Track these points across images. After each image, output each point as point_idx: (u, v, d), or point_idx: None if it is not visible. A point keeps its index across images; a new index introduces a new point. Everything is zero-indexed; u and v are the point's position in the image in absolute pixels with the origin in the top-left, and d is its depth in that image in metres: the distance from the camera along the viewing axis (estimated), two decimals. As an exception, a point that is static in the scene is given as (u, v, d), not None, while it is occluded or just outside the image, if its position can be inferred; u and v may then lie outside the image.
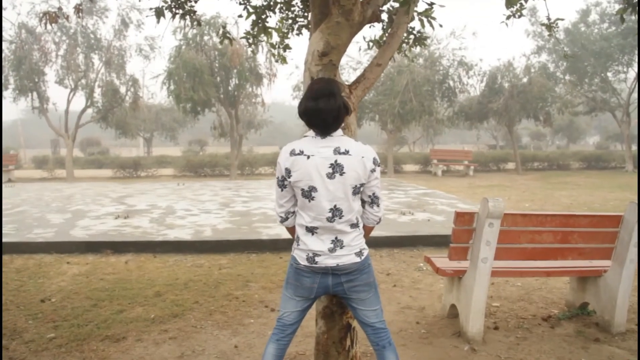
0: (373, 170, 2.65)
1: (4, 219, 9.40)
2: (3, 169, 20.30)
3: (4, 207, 11.23)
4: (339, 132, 2.66)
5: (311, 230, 2.68)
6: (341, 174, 2.58)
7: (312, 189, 2.60)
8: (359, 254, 2.70)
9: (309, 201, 2.63)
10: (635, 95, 24.97)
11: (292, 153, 2.63)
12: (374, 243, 7.24)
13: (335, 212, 2.62)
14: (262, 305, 5.04)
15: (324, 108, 2.56)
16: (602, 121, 43.34)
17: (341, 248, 2.66)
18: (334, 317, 3.18)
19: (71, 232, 8.18)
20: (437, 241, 7.59)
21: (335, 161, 2.58)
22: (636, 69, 24.17)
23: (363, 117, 22.77)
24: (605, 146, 43.01)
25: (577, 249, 4.29)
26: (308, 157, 2.59)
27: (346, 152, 2.59)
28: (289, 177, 2.63)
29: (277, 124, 44.44)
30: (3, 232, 8.12)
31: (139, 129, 34.88)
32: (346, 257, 2.67)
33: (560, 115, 26.58)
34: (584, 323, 4.53)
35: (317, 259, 2.67)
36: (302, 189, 2.62)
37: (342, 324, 3.19)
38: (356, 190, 2.63)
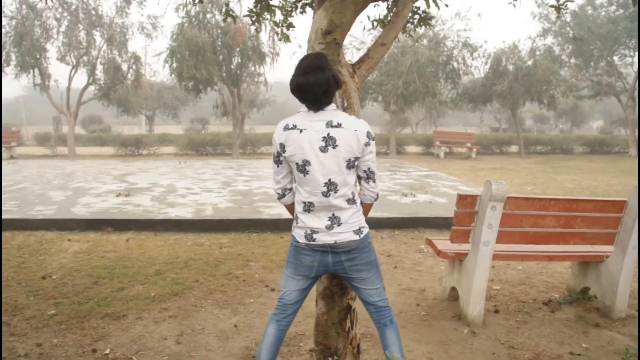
0: (367, 144, 2.62)
1: (5, 196, 9.40)
2: (5, 145, 20.29)
3: (5, 183, 11.23)
4: (332, 106, 2.65)
5: (308, 207, 2.68)
6: (334, 147, 2.57)
7: (306, 162, 2.60)
8: (358, 231, 2.69)
9: (304, 175, 2.63)
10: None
11: (286, 128, 2.64)
12: (375, 224, 7.23)
13: (330, 186, 2.61)
14: (262, 284, 5.05)
15: (313, 82, 2.54)
16: (607, 105, 43.02)
17: (339, 225, 2.65)
18: (334, 299, 3.17)
19: (72, 209, 8.18)
20: (438, 223, 7.58)
21: (328, 134, 2.57)
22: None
23: (366, 97, 22.65)
24: (609, 131, 42.82)
25: (580, 233, 4.26)
26: (300, 130, 2.60)
27: (338, 125, 2.58)
28: (284, 152, 2.64)
29: (280, 103, 44.20)
30: (5, 208, 8.12)
31: (141, 106, 34.82)
32: (344, 235, 2.66)
33: (565, 99, 26.37)
34: (585, 308, 4.53)
35: (315, 236, 2.67)
36: (297, 164, 2.62)
37: (342, 305, 3.17)
38: (350, 164, 2.61)
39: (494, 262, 4.59)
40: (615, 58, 24.56)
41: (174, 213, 7.92)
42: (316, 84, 2.54)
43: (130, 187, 10.81)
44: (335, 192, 2.62)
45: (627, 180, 13.63)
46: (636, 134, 23.71)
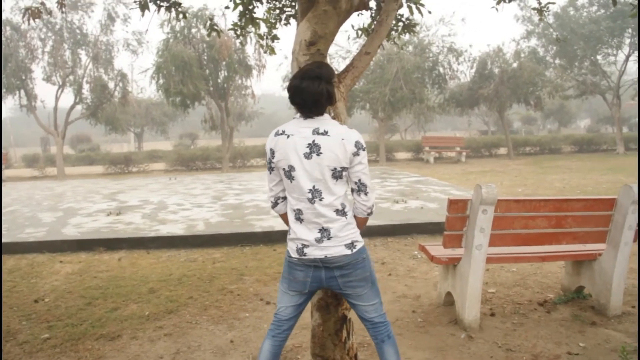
0: (355, 154, 2.57)
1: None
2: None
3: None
4: (325, 116, 2.64)
5: (298, 216, 2.65)
6: (318, 154, 2.54)
7: (291, 168, 2.60)
8: (350, 246, 2.64)
9: (291, 182, 2.63)
10: (625, 77, 25.01)
11: (277, 134, 2.65)
12: (367, 232, 7.23)
13: (315, 193, 2.58)
14: (257, 298, 5.02)
15: (305, 88, 2.54)
16: (593, 104, 43.44)
17: (329, 239, 2.60)
18: (329, 309, 3.16)
19: (63, 230, 8.12)
20: (430, 229, 7.59)
21: (313, 141, 2.55)
22: (625, 52, 24.21)
23: (354, 105, 22.71)
24: (596, 129, 43.19)
25: (572, 233, 4.28)
26: (288, 136, 2.60)
27: (325, 133, 2.56)
28: (273, 158, 2.64)
29: (268, 115, 44.21)
30: (-6, 232, 8.05)
31: (129, 124, 34.71)
32: (334, 249, 2.61)
33: (551, 99, 26.60)
34: (580, 307, 4.54)
35: (305, 250, 2.63)
36: (284, 169, 2.62)
37: (337, 316, 3.16)
38: (336, 174, 2.57)
39: (487, 265, 4.59)
40: (599, 57, 24.80)
41: (165, 230, 7.88)
42: (308, 91, 2.54)
43: (120, 205, 10.75)
44: (321, 200, 2.58)
45: (616, 178, 13.73)
46: (624, 131, 23.90)
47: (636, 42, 23.07)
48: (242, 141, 29.64)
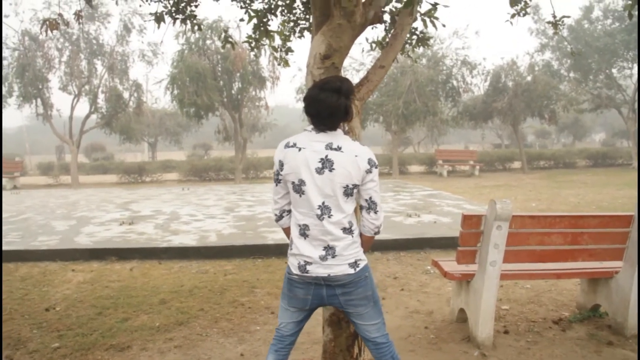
0: (368, 172, 2.52)
1: (8, 227, 9.38)
2: (9, 176, 20.36)
3: (8, 214, 11.22)
4: (338, 131, 2.58)
5: (303, 231, 2.59)
6: (330, 170, 2.49)
7: (302, 182, 2.54)
8: (354, 265, 2.58)
9: (300, 196, 2.57)
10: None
11: (287, 145, 2.60)
12: (380, 246, 7.18)
13: (324, 210, 2.52)
14: (268, 311, 4.99)
15: (323, 100, 2.49)
16: (608, 118, 43.08)
17: (333, 257, 2.55)
18: (340, 325, 3.12)
19: (76, 239, 8.15)
20: (444, 243, 7.51)
21: (326, 156, 2.50)
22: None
23: (367, 118, 22.70)
24: (612, 143, 42.80)
25: (588, 250, 4.21)
26: (299, 149, 2.55)
27: (338, 149, 2.51)
28: (282, 170, 2.59)
29: (281, 126, 44.31)
30: (8, 239, 8.10)
31: (143, 134, 34.97)
32: (338, 268, 2.55)
33: (565, 113, 26.39)
34: (596, 325, 4.45)
35: (308, 267, 2.57)
36: (293, 182, 2.57)
37: (349, 332, 3.13)
38: (348, 191, 2.52)
39: (502, 282, 4.53)
40: (614, 70, 24.65)
41: (177, 240, 7.88)
42: (325, 103, 2.49)
43: (133, 215, 10.80)
44: (330, 217, 2.53)
45: (632, 193, 13.55)
46: (637, 146, 23.67)
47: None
48: (255, 152, 29.73)
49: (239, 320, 4.75)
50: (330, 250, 2.55)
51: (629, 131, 25.21)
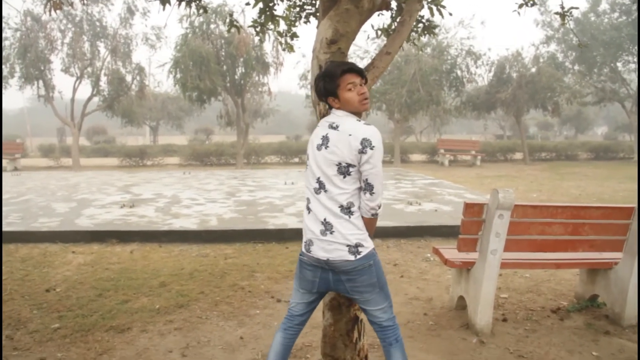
0: (361, 152, 2.49)
1: (9, 208, 9.40)
2: (9, 157, 20.36)
3: (9, 195, 11.24)
4: (343, 112, 2.64)
5: (308, 205, 2.70)
6: (326, 148, 2.58)
7: (308, 157, 2.71)
8: (354, 251, 2.57)
9: (306, 170, 2.72)
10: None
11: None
12: (381, 233, 7.19)
13: (320, 185, 2.61)
14: (268, 295, 5.01)
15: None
16: (611, 111, 43.01)
17: (331, 233, 2.57)
18: (341, 309, 3.14)
19: (76, 221, 8.17)
20: (444, 232, 7.53)
21: (326, 134, 2.60)
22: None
23: (370, 106, 22.57)
24: (614, 137, 42.73)
25: (588, 240, 4.22)
26: (318, 126, 2.75)
27: (336, 127, 2.59)
28: None
29: (284, 113, 44.29)
30: (9, 220, 8.12)
31: (145, 117, 34.97)
32: (337, 252, 2.57)
33: (569, 106, 26.31)
34: (594, 315, 4.47)
35: (311, 247, 2.64)
36: (307, 160, 2.74)
37: (349, 316, 3.14)
38: (341, 170, 2.54)
39: (501, 270, 4.54)
40: (619, 64, 24.55)
41: (178, 224, 7.90)
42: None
43: (134, 198, 10.81)
44: (325, 192, 2.59)
45: (633, 187, 13.54)
46: (637, 139, 23.63)
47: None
48: (257, 138, 29.72)
49: (239, 304, 4.77)
50: (328, 226, 2.59)
51: (631, 125, 25.16)
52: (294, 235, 7.10)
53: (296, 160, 24.81)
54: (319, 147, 2.60)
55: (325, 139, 2.58)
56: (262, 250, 6.85)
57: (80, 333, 4.07)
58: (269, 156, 25.01)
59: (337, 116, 2.63)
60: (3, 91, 19.58)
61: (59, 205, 9.76)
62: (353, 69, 2.63)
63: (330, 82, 2.61)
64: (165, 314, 4.52)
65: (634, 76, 25.46)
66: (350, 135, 2.51)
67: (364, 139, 2.50)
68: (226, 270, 5.86)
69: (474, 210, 3.98)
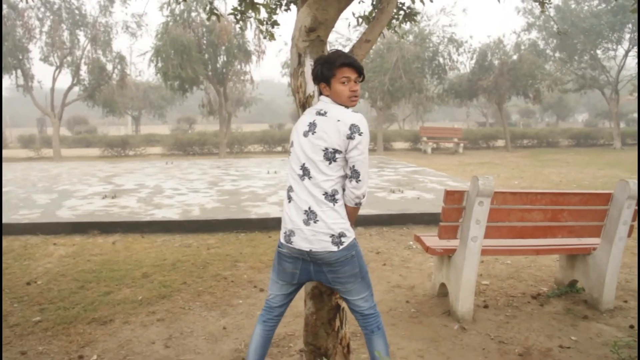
0: (350, 137, 2.51)
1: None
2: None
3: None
4: (329, 99, 2.67)
5: (289, 194, 2.67)
6: (313, 133, 2.58)
7: (292, 144, 2.70)
8: (337, 242, 2.57)
9: (289, 157, 2.72)
10: (624, 72, 24.99)
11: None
12: (363, 221, 7.22)
13: (305, 171, 2.60)
14: (250, 285, 5.01)
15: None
16: (591, 99, 43.39)
17: (315, 222, 2.56)
18: (322, 298, 3.14)
19: (58, 212, 8.08)
20: (426, 219, 7.58)
21: (313, 121, 2.62)
22: (625, 47, 24.18)
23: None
24: (594, 124, 43.24)
25: (567, 227, 4.28)
26: (304, 114, 2.76)
27: (324, 114, 2.61)
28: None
29: (267, 101, 44.09)
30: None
31: (127, 107, 34.57)
32: (320, 243, 2.56)
33: (550, 93, 26.57)
34: (573, 300, 4.54)
35: (292, 238, 2.62)
36: (289, 146, 2.74)
37: (330, 305, 3.15)
38: (328, 155, 2.55)
39: (482, 257, 4.59)
40: (599, 52, 24.75)
41: (160, 214, 7.85)
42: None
43: (116, 188, 10.72)
44: (310, 178, 2.58)
45: (612, 172, 13.74)
46: (621, 126, 23.91)
47: (636, 37, 23.00)
48: (239, 127, 29.58)
49: (222, 294, 4.77)
50: (312, 215, 2.57)
51: (611, 112, 25.43)
52: (277, 224, 7.03)
53: (279, 149, 24.76)
54: (305, 134, 2.61)
55: (313, 125, 2.59)
56: (245, 239, 6.84)
57: (62, 326, 4.04)
58: (252, 145, 24.93)
59: (325, 103, 2.66)
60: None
61: (39, 197, 9.65)
62: (353, 64, 2.64)
63: (328, 70, 2.63)
64: (148, 305, 4.51)
65: (614, 63, 25.73)
66: (338, 120, 2.54)
67: (352, 125, 2.53)
68: (209, 260, 5.85)
69: (454, 198, 4.01)
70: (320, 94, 2.73)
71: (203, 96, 22.03)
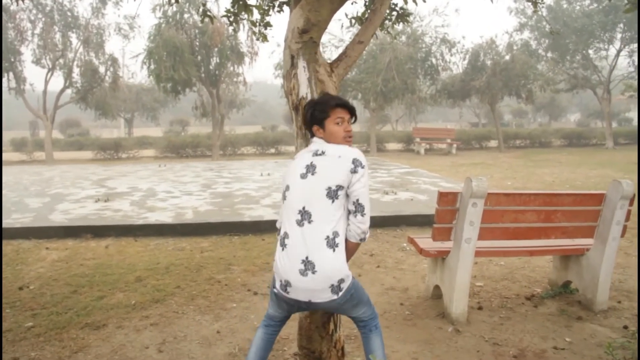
0: (353, 172, 2.51)
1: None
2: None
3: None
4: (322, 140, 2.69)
5: (283, 241, 2.57)
6: (313, 174, 2.55)
7: (287, 188, 2.63)
8: (337, 288, 2.50)
9: (284, 202, 2.64)
10: (615, 72, 25.12)
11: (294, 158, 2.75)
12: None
13: (304, 215, 2.50)
14: (244, 289, 4.99)
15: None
16: (583, 98, 43.60)
17: (313, 273, 2.46)
18: (317, 302, 3.13)
19: (50, 216, 8.04)
20: (420, 221, 7.57)
21: (311, 162, 2.59)
22: (617, 47, 24.31)
23: (345, 95, 22.63)
24: (586, 123, 43.41)
25: (560, 227, 4.28)
26: (295, 159, 2.69)
27: (322, 153, 2.60)
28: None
29: (260, 103, 44.05)
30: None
31: (120, 109, 34.49)
32: (320, 294, 2.49)
33: (542, 93, 26.70)
34: (567, 301, 4.55)
35: (289, 289, 2.54)
36: (283, 191, 2.66)
37: (325, 309, 3.14)
38: (331, 194, 2.49)
39: (476, 259, 4.59)
40: (591, 51, 24.87)
41: (154, 217, 7.82)
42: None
43: (109, 192, 10.67)
44: (310, 223, 2.48)
45: (605, 172, 13.79)
46: (613, 126, 24.02)
47: (627, 37, 23.13)
48: (233, 129, 29.52)
49: (215, 298, 4.74)
50: (309, 265, 2.47)
51: (603, 112, 25.55)
52: (270, 226, 7.07)
53: (272, 150, 24.72)
54: (303, 176, 2.56)
55: (311, 167, 2.56)
56: (238, 242, 6.82)
57: (54, 331, 4.01)
58: (245, 147, 24.88)
59: (320, 144, 2.66)
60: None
61: (32, 201, 9.59)
62: (346, 105, 2.68)
63: (321, 112, 2.65)
64: (141, 309, 4.48)
65: (605, 63, 25.86)
66: (340, 157, 2.55)
67: (354, 159, 2.55)
68: (202, 263, 5.82)
69: (448, 199, 4.00)
70: (313, 135, 2.74)
71: (196, 98, 22.00)
